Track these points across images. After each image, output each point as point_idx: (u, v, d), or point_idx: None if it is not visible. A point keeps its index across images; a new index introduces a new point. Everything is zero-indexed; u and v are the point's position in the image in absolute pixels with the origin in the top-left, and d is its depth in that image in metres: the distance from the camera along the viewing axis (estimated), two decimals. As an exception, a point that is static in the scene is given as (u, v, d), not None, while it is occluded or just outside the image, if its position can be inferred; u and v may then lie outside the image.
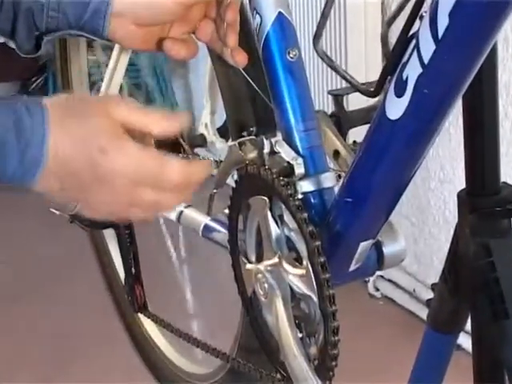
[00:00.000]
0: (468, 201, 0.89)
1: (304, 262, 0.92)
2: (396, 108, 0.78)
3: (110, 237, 1.62)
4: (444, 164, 1.94)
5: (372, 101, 0.92)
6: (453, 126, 1.82)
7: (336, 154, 1.05)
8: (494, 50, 0.81)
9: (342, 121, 1.08)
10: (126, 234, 1.41)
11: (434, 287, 0.99)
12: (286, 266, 0.95)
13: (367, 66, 2.00)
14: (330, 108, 1.12)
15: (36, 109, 0.77)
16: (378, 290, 2.24)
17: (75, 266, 2.41)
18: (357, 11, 2.01)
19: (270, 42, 0.95)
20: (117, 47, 1.23)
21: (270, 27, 0.95)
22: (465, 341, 1.23)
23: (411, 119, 0.78)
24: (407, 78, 0.75)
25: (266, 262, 0.97)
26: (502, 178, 0.89)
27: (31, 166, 0.77)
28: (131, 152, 0.79)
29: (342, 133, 1.07)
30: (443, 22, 0.69)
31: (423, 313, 1.60)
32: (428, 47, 0.72)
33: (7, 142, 0.76)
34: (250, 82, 0.98)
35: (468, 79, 0.74)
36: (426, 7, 0.73)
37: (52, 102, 0.78)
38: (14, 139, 0.76)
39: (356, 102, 1.06)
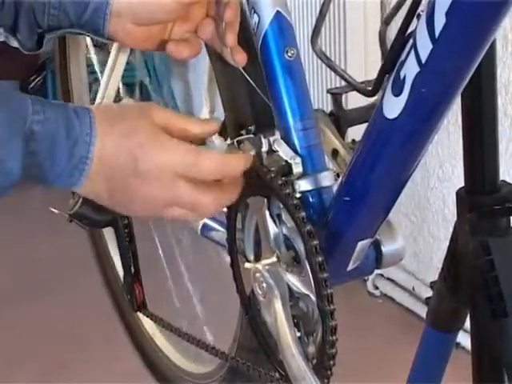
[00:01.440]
0: (467, 199, 0.88)
1: (302, 261, 0.92)
2: (393, 107, 0.78)
3: (109, 235, 1.62)
4: (443, 162, 1.94)
5: (371, 99, 0.91)
6: (452, 124, 1.82)
7: (335, 152, 1.04)
8: (492, 48, 0.81)
9: (340, 119, 1.07)
10: (125, 233, 1.41)
11: (432, 285, 0.99)
12: (284, 265, 0.95)
13: (367, 64, 1.99)
14: (328, 107, 1.11)
15: (83, 111, 0.81)
16: (377, 288, 2.24)
17: (74, 266, 2.41)
18: (356, 10, 2.01)
19: (268, 41, 0.95)
20: (115, 46, 1.23)
21: (268, 26, 0.95)
22: (464, 339, 1.23)
23: (409, 118, 0.78)
24: (405, 77, 0.75)
25: (264, 261, 0.97)
26: (501, 177, 0.88)
27: (78, 164, 0.80)
28: (168, 146, 0.82)
29: (341, 132, 1.07)
30: (440, 21, 0.69)
31: (422, 311, 1.60)
32: (425, 46, 0.72)
33: (58, 138, 0.78)
34: (249, 80, 0.98)
35: (466, 78, 0.74)
36: (423, 6, 0.73)
37: (96, 107, 0.83)
38: (64, 136, 0.79)
39: (355, 100, 1.06)
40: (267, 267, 0.97)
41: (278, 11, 0.95)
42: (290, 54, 0.95)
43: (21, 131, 0.77)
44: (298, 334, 0.98)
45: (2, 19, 0.93)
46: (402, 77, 0.75)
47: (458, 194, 0.90)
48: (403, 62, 0.75)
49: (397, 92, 0.77)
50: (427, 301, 1.02)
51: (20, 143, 0.77)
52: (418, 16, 0.73)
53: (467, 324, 0.94)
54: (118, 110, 0.86)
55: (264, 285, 0.98)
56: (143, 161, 0.81)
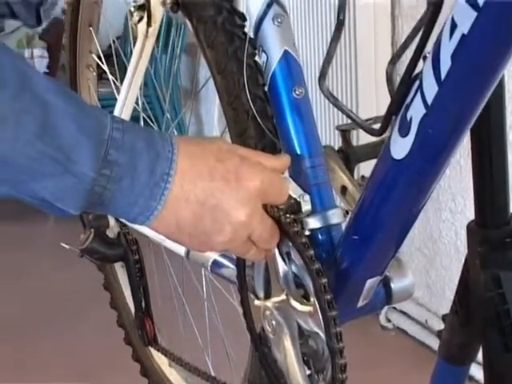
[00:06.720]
0: (477, 232, 0.88)
1: (311, 299, 0.92)
2: (401, 148, 0.78)
3: (120, 270, 1.63)
4: (455, 195, 1.94)
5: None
6: (463, 159, 1.82)
7: (343, 189, 1.04)
8: (501, 83, 0.81)
9: (349, 156, 1.07)
10: (136, 268, 1.41)
11: (445, 318, 0.99)
12: (293, 303, 0.95)
13: (378, 101, 1.99)
14: (337, 143, 1.12)
15: (162, 132, 0.78)
16: (389, 321, 2.23)
17: (86, 300, 2.41)
18: (367, 48, 2.01)
19: (276, 79, 0.96)
20: (141, 34, 1.22)
21: (276, 65, 0.95)
22: (477, 372, 1.22)
23: (416, 159, 0.78)
24: (411, 119, 0.75)
25: (274, 299, 0.97)
26: (512, 210, 0.89)
27: (160, 181, 0.75)
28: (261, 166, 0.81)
29: (350, 168, 1.07)
30: (446, 64, 0.69)
31: (435, 344, 1.59)
32: (431, 88, 0.72)
33: (139, 148, 0.74)
34: (257, 118, 0.98)
35: (472, 119, 0.74)
36: (429, 48, 0.73)
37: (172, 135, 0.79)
38: (145, 147, 0.74)
39: (365, 136, 1.06)
40: (277, 305, 0.97)
41: (285, 50, 0.96)
42: (297, 93, 0.95)
43: (96, 134, 0.71)
44: (308, 372, 0.97)
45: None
46: (408, 118, 0.76)
47: (469, 227, 0.90)
48: (409, 104, 0.76)
49: (404, 133, 0.77)
50: (439, 334, 1.01)
51: (94, 146, 0.70)
52: (425, 58, 0.73)
53: (480, 356, 0.94)
54: (196, 139, 0.81)
55: (273, 322, 0.97)
56: (243, 177, 0.78)
